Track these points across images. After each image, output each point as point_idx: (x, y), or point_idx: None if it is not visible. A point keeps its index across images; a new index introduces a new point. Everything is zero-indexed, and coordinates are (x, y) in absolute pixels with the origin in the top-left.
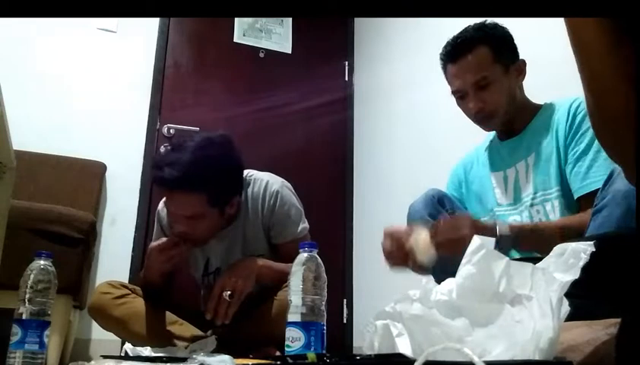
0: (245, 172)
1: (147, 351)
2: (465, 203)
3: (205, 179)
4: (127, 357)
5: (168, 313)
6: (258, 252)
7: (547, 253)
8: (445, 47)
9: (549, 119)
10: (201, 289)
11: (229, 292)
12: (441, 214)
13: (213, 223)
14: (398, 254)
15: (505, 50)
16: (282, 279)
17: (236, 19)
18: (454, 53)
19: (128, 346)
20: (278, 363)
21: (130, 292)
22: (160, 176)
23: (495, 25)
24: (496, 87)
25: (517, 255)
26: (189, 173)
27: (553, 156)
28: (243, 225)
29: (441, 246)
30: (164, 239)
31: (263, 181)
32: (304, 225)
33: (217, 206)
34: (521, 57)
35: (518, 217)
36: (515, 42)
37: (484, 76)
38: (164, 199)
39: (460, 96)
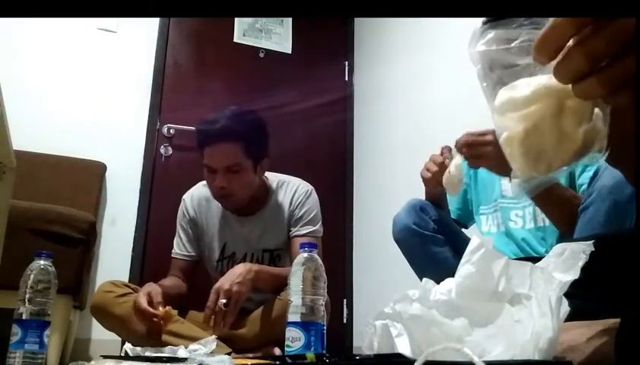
0: (277, 177)
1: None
2: (470, 188)
3: (241, 131)
4: (127, 357)
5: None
6: (275, 245)
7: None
8: None
9: None
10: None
11: (224, 300)
12: (425, 221)
13: (248, 179)
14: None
15: None
16: (281, 284)
17: (236, 19)
18: None
19: (128, 346)
20: (277, 363)
21: (132, 291)
22: (203, 131)
23: None
24: None
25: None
26: (228, 125)
27: None
28: (267, 218)
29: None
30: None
31: (295, 184)
32: (321, 228)
33: (251, 158)
34: None
35: (520, 211)
36: None
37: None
38: (196, 187)
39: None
